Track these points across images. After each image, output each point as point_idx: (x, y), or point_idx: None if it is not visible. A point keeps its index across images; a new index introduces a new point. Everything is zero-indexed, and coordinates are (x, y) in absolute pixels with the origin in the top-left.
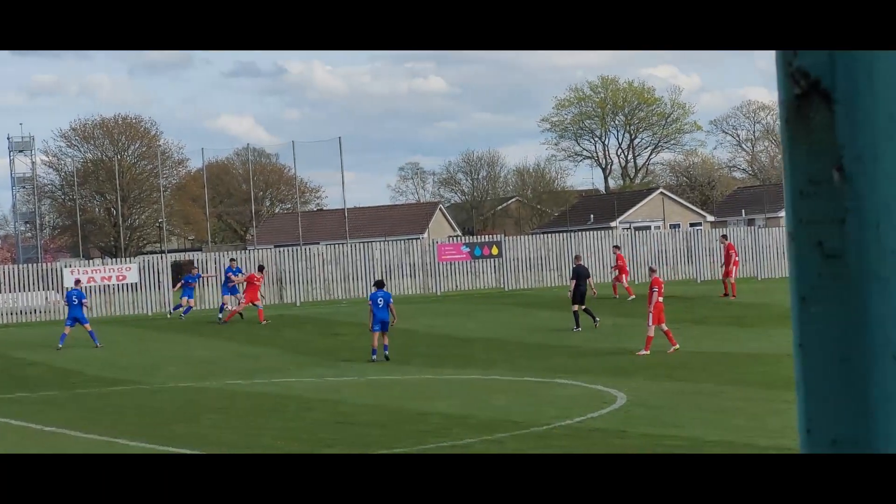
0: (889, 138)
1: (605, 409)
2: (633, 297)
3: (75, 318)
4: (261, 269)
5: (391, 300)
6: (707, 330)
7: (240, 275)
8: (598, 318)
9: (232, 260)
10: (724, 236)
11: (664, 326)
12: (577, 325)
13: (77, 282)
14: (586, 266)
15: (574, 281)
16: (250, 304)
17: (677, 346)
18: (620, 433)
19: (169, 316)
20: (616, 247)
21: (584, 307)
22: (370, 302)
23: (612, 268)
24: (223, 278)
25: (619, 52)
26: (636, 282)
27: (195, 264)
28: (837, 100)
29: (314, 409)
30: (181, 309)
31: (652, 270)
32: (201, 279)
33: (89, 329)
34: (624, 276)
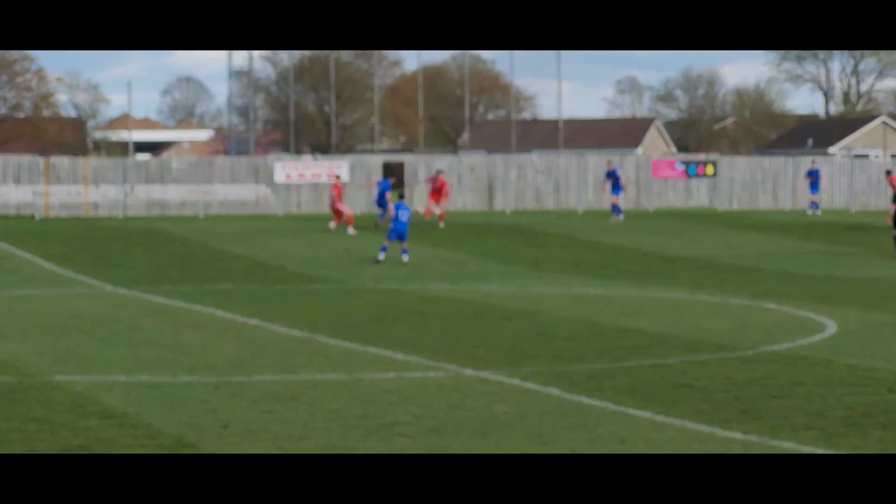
0: None
1: (813, 337)
2: None
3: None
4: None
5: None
6: None
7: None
8: None
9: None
10: (889, 171)
11: None
12: None
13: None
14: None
15: None
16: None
17: None
18: (826, 362)
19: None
20: (888, 172)
21: None
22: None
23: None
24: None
25: None
26: (851, 210)
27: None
28: None
29: (515, 319)
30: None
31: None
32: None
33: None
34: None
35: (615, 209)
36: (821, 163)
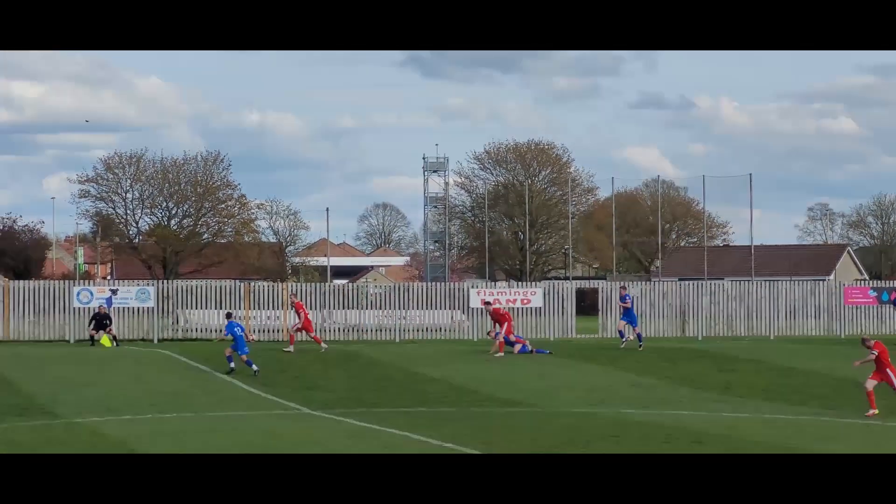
0: None
1: None
2: None
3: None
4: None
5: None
6: None
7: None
8: None
9: (622, 287)
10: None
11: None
12: None
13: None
14: None
15: None
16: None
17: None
18: None
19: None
20: None
21: None
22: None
23: None
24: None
25: None
26: None
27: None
28: None
29: (706, 442)
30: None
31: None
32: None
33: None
34: None
35: (621, 334)
36: None
